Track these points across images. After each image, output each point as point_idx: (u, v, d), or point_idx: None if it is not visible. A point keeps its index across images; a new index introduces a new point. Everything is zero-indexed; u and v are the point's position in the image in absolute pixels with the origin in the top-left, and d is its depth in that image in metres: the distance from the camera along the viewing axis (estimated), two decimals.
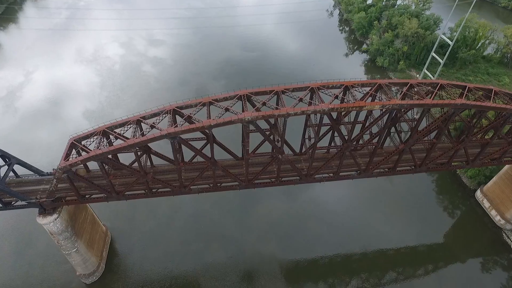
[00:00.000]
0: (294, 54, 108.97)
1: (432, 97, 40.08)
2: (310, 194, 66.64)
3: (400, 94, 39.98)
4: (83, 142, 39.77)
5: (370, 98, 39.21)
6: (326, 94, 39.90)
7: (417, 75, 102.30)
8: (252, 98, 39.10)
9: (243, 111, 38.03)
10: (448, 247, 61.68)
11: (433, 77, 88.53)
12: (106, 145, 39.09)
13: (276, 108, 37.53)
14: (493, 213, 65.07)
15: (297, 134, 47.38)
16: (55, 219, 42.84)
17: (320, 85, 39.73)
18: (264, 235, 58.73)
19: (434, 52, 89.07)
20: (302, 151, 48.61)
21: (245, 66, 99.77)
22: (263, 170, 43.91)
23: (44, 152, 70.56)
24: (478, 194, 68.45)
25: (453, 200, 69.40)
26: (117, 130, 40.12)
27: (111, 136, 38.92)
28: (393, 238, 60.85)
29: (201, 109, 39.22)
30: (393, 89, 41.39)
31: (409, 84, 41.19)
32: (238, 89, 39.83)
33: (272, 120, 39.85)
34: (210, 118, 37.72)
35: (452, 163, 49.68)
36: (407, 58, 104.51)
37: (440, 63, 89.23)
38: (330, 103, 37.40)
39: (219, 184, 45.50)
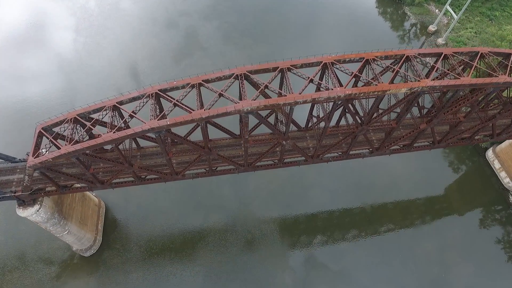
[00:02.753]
0: None
1: (470, 74, 32.93)
2: None
3: (431, 70, 32.84)
4: (56, 129, 33.91)
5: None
6: (341, 70, 32.66)
7: (437, 10, 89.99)
8: (251, 77, 32.00)
9: (240, 96, 31.37)
10: (448, 200, 60.55)
11: (456, 15, 77.16)
12: (84, 134, 33.36)
13: (280, 94, 30.79)
14: (502, 174, 62.19)
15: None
16: (37, 210, 39.13)
17: (334, 60, 32.26)
18: (264, 206, 56.37)
19: None
20: (308, 126, 42.87)
21: (240, 2, 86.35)
22: (264, 154, 38.80)
23: (12, 129, 62.15)
24: (490, 153, 64.68)
25: (460, 155, 65.97)
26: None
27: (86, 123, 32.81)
28: (393, 189, 59.70)
29: (189, 91, 32.34)
30: (427, 60, 34.00)
31: (443, 55, 33.64)
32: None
33: None
34: (201, 106, 31.25)
35: (475, 137, 44.55)
36: None
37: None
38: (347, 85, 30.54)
39: (215, 168, 40.85)
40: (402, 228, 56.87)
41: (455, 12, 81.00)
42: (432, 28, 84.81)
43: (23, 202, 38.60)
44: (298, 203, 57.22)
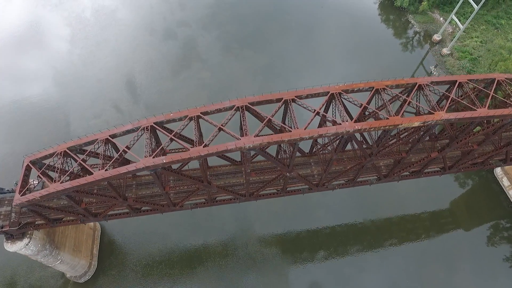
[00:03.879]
0: None
1: (486, 104, 30.80)
2: None
3: (445, 101, 30.72)
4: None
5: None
6: (349, 101, 30.55)
7: (441, 18, 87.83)
8: (253, 107, 29.90)
9: (241, 128, 29.28)
10: (453, 214, 58.66)
11: (462, 25, 75.04)
12: (77, 168, 31.30)
13: (284, 128, 28.62)
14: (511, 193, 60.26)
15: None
16: (27, 244, 37.00)
17: (342, 90, 30.14)
18: (266, 229, 54.28)
19: None
20: (312, 151, 40.76)
21: (240, 10, 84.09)
22: (266, 185, 36.69)
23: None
24: (498, 170, 62.57)
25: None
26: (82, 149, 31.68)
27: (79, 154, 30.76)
28: (396, 202, 57.80)
29: (187, 124, 30.22)
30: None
31: (457, 83, 31.53)
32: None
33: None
34: (199, 141, 29.14)
35: (489, 162, 42.49)
36: None
37: (472, 6, 74.60)
38: (356, 120, 28.42)
39: (214, 198, 38.73)
40: (407, 244, 54.88)
41: (460, 20, 78.92)
42: (436, 37, 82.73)
43: (11, 236, 36.48)
44: (301, 225, 55.18)
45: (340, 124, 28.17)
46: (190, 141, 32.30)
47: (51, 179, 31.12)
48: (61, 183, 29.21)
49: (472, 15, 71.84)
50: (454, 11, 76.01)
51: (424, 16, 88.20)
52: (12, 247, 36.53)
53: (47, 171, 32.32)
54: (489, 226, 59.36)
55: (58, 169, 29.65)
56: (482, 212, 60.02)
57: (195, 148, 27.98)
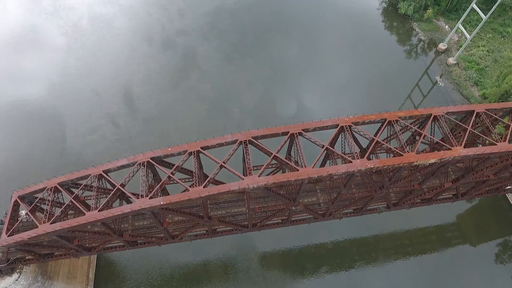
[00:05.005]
0: None
1: (507, 137, 28.78)
2: None
3: (462, 133, 28.73)
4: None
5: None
6: (360, 134, 28.57)
7: (447, 26, 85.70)
8: (257, 141, 27.90)
9: (244, 164, 27.30)
10: (459, 228, 56.82)
11: (469, 35, 72.92)
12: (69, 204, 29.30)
13: (290, 166, 26.63)
14: None
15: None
16: (17, 279, 35.00)
17: (352, 122, 28.13)
18: (268, 250, 52.31)
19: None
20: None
21: (240, 19, 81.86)
22: (270, 217, 34.70)
23: None
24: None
25: None
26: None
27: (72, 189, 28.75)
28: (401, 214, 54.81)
29: (186, 159, 28.19)
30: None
31: (475, 113, 29.51)
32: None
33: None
34: (199, 177, 27.13)
35: (505, 188, 40.56)
36: (436, 4, 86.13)
37: (478, 14, 72.28)
38: (367, 159, 26.38)
39: (215, 229, 36.74)
40: (412, 259, 52.90)
41: (466, 29, 76.83)
42: (442, 46, 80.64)
43: (0, 271, 34.46)
44: (304, 247, 53.17)
45: (351, 162, 26.12)
46: (189, 172, 30.42)
47: (42, 210, 29.22)
48: (51, 223, 27.17)
49: (479, 25, 69.75)
50: (461, 20, 73.89)
51: (429, 24, 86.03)
52: (1, 283, 34.50)
53: (38, 204, 30.45)
54: (498, 244, 57.55)
55: (48, 205, 27.54)
56: (491, 229, 58.12)
57: (194, 189, 25.95)
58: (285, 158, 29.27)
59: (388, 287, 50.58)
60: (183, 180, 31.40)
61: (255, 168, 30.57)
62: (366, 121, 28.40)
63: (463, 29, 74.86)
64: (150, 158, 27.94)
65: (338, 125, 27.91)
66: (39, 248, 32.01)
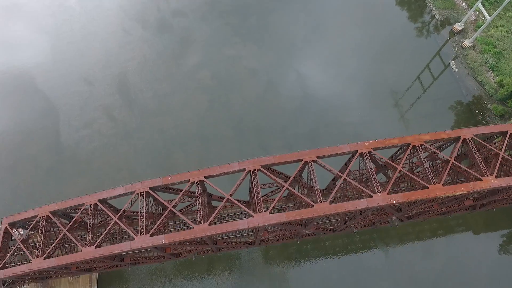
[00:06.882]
0: None
1: None
2: None
3: (492, 156, 25.99)
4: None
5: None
6: (379, 160, 25.86)
7: (463, 4, 79.55)
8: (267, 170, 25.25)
9: (251, 196, 24.88)
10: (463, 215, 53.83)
11: (489, 16, 67.47)
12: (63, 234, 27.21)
13: (304, 199, 24.16)
14: None
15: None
16: None
17: (372, 147, 25.31)
18: (270, 264, 50.51)
19: None
20: (329, 189, 36.45)
21: None
22: (279, 240, 32.82)
23: None
24: None
25: None
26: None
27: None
28: None
29: (189, 189, 25.68)
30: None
31: (508, 134, 26.60)
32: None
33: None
34: (203, 207, 24.78)
35: None
36: None
37: None
38: (388, 192, 23.87)
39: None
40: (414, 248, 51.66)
41: (484, 7, 71.03)
42: (458, 27, 75.13)
43: None
44: (308, 260, 51.41)
45: (371, 196, 23.63)
46: (193, 194, 28.11)
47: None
48: (45, 258, 25.20)
49: (504, 4, 63.90)
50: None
51: (444, 1, 79.90)
52: None
53: (32, 232, 28.40)
54: (502, 235, 55.50)
55: (39, 243, 25.44)
56: (497, 219, 55.99)
57: (199, 226, 23.66)
58: (295, 179, 26.85)
59: (395, 278, 48.73)
60: (186, 203, 29.10)
61: (262, 186, 28.28)
62: (388, 146, 25.57)
63: (482, 8, 69.19)
64: (149, 188, 25.43)
65: (356, 151, 25.11)
66: (37, 273, 30.37)
